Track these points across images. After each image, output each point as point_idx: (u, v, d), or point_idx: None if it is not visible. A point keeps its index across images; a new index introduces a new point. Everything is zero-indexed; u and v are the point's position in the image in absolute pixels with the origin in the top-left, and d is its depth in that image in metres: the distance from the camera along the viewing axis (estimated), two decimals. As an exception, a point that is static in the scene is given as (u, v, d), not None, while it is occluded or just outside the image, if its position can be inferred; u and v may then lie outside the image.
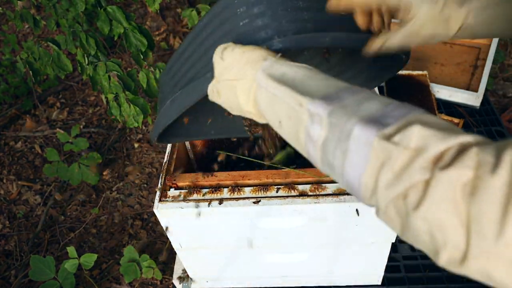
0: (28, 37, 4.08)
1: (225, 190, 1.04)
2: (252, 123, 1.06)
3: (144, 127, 3.16)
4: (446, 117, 1.74)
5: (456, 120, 1.72)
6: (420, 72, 1.84)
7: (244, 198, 1.01)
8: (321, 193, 1.00)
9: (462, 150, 0.39)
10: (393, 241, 1.09)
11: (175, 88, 0.80)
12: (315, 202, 0.97)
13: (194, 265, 1.25)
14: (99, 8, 1.56)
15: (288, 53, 0.72)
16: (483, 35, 0.67)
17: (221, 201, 1.01)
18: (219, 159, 1.25)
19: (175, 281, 1.40)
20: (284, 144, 1.10)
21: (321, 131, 0.49)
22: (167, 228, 1.08)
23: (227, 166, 1.35)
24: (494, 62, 2.04)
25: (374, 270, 1.25)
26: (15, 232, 2.60)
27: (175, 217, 1.04)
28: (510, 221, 0.34)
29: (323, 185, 1.01)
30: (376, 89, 1.25)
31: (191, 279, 1.35)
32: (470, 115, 1.81)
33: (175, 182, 1.08)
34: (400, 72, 1.87)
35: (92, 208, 2.67)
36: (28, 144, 3.15)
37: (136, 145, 3.04)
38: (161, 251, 2.41)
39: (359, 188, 0.46)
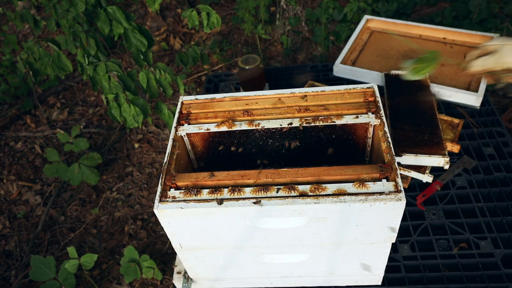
0: (28, 38, 4.08)
1: (225, 190, 1.04)
2: None
3: (144, 127, 3.16)
4: (446, 117, 1.74)
5: (456, 121, 1.72)
6: None
7: (244, 199, 1.01)
8: (321, 193, 1.00)
9: None
10: (393, 241, 1.09)
11: None
12: (315, 202, 0.97)
13: (194, 265, 1.25)
14: (99, 9, 1.57)
15: None
16: None
17: (221, 201, 1.01)
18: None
19: (175, 281, 1.40)
20: None
21: None
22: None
23: (229, 162, 1.35)
24: (494, 62, 2.04)
25: (374, 270, 1.25)
26: (15, 232, 2.60)
27: (175, 217, 1.04)
28: None
29: (323, 185, 1.01)
30: (377, 90, 1.25)
31: (191, 279, 1.35)
32: (470, 116, 1.81)
33: (175, 182, 1.08)
34: (400, 72, 1.87)
35: (92, 208, 2.67)
36: (28, 145, 3.15)
37: (136, 145, 3.05)
38: (161, 251, 2.41)
39: None
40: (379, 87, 1.65)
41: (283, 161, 1.35)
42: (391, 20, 2.27)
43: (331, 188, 1.00)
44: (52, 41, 1.63)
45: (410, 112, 1.67)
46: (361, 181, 1.01)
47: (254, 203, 0.99)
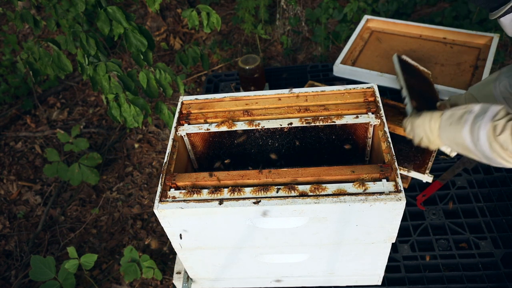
0: (28, 38, 4.08)
1: (225, 190, 1.04)
2: None
3: (144, 127, 3.16)
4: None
5: (456, 120, 1.72)
6: (426, 70, 1.84)
7: (244, 199, 1.01)
8: (321, 193, 1.00)
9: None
10: (393, 241, 1.09)
11: None
12: (315, 202, 0.97)
13: (194, 265, 1.25)
14: (99, 9, 1.56)
15: None
16: None
17: (221, 201, 1.01)
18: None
19: (175, 281, 1.40)
20: None
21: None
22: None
23: (229, 162, 1.35)
24: (494, 62, 2.04)
25: (374, 270, 1.25)
26: (15, 232, 2.60)
27: (175, 217, 1.04)
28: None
29: (323, 185, 1.01)
30: (377, 90, 1.25)
31: (191, 279, 1.35)
32: (470, 115, 1.80)
33: (175, 182, 1.08)
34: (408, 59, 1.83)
35: (92, 208, 2.67)
36: (28, 145, 3.15)
37: (136, 145, 3.04)
38: (161, 251, 2.41)
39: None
40: (379, 86, 1.64)
41: (283, 161, 1.35)
42: (391, 20, 2.27)
43: (331, 188, 1.00)
44: (52, 41, 1.63)
45: (422, 92, 1.66)
46: (361, 181, 1.01)
47: (254, 203, 0.99)
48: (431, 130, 1.23)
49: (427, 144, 1.28)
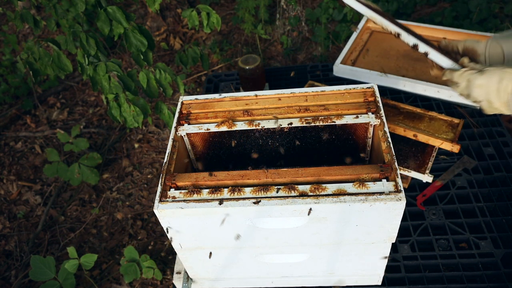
0: (28, 38, 4.08)
1: (225, 190, 1.04)
2: None
3: (144, 127, 3.16)
4: (446, 117, 1.74)
5: (456, 121, 1.72)
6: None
7: (244, 199, 1.01)
8: (321, 193, 1.00)
9: None
10: (393, 241, 1.09)
11: None
12: (315, 202, 0.97)
13: (194, 265, 1.25)
14: (99, 9, 1.56)
15: None
16: None
17: (221, 201, 1.01)
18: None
19: (175, 281, 1.40)
20: None
21: None
22: (167, 229, 1.08)
23: (229, 162, 1.35)
24: (494, 62, 2.04)
25: (374, 270, 1.25)
26: (15, 232, 2.60)
27: (175, 217, 1.04)
28: None
29: (323, 185, 1.01)
30: (377, 90, 1.25)
31: (191, 279, 1.35)
32: (470, 116, 1.81)
33: (174, 182, 1.08)
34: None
35: (92, 208, 2.67)
36: (28, 145, 3.15)
37: (136, 145, 3.04)
38: (161, 251, 2.41)
39: None
40: (379, 86, 1.65)
41: (283, 161, 1.35)
42: (391, 20, 2.27)
43: (331, 188, 1.00)
44: (52, 41, 1.63)
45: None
46: (361, 181, 1.01)
47: (254, 203, 0.99)
48: (498, 94, 0.96)
49: (485, 108, 1.04)
